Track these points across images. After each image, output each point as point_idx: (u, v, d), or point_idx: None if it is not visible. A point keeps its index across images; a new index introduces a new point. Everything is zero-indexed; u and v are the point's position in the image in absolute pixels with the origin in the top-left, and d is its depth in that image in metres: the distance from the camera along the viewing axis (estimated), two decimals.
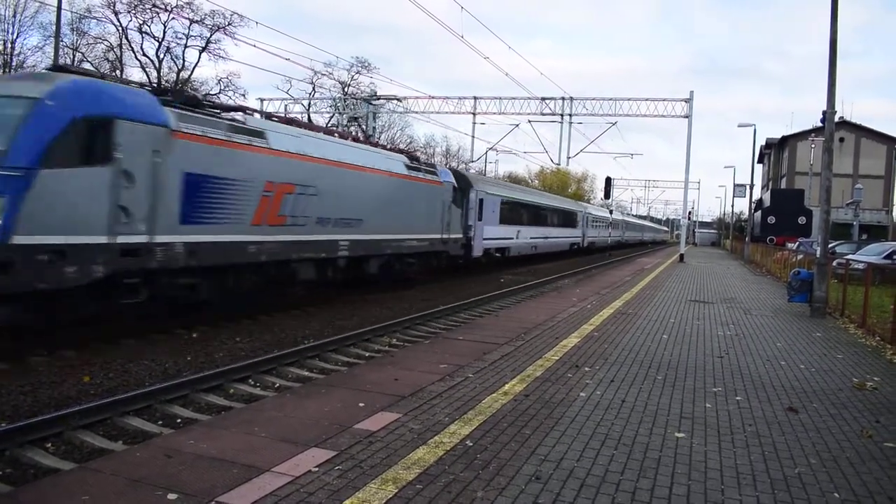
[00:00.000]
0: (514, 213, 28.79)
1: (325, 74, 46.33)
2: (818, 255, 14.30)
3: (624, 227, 62.00)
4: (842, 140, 52.38)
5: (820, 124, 15.48)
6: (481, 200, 24.23)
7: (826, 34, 13.54)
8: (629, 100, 32.54)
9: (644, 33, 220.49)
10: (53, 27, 27.54)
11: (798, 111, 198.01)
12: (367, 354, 10.35)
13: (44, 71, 13.30)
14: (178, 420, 6.91)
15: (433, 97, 34.64)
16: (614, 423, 5.54)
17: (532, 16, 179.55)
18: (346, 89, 50.53)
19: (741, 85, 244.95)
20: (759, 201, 57.76)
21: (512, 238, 28.34)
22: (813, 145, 45.76)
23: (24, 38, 39.70)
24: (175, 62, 45.00)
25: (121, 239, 9.08)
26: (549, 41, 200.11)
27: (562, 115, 33.27)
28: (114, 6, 40.14)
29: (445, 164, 64.84)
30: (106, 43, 42.96)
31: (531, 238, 31.36)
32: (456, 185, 20.88)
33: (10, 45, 38.07)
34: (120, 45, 42.84)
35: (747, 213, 56.91)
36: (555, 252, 37.25)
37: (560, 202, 41.31)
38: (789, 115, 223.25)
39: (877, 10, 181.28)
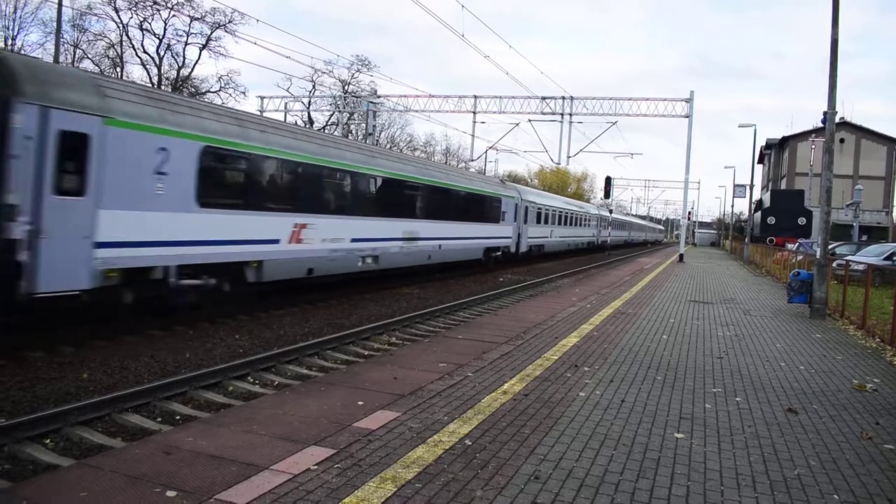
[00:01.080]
0: (284, 184, 13.24)
1: (325, 72, 46.45)
2: (818, 256, 14.30)
3: (598, 224, 47.68)
4: (842, 141, 52.41)
5: (820, 125, 15.48)
6: (62, 134, 8.47)
7: (826, 36, 13.56)
8: (629, 99, 32.67)
9: (643, 34, 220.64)
10: (54, 24, 27.54)
11: (798, 112, 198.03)
12: (366, 353, 10.33)
13: None
14: (177, 417, 6.91)
15: (433, 96, 34.83)
16: (613, 423, 5.54)
17: (532, 15, 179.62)
18: (346, 87, 50.63)
19: (741, 86, 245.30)
20: (759, 202, 57.78)
21: (276, 241, 12.81)
22: (813, 146, 45.76)
23: (25, 35, 39.69)
24: (175, 59, 45.09)
25: None
26: (549, 41, 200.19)
27: (562, 115, 33.32)
28: (114, 3, 40.19)
29: (445, 163, 64.02)
30: (106, 40, 43.05)
31: (362, 240, 15.85)
32: None
33: (10, 42, 38.09)
34: (120, 43, 42.90)
35: (747, 213, 57.00)
36: (438, 266, 21.27)
37: (459, 176, 23.88)
38: (789, 115, 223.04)
39: (874, 12, 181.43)
